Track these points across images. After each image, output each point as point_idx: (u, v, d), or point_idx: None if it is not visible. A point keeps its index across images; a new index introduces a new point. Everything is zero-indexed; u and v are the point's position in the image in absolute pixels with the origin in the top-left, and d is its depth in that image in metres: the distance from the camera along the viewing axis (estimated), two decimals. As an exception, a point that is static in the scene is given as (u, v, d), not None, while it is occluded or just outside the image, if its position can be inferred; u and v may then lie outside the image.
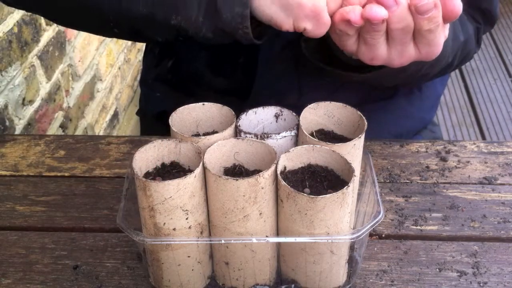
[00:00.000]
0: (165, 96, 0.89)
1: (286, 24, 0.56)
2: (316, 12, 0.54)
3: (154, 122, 0.94)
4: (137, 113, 1.01)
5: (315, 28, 0.55)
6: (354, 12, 0.52)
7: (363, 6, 0.53)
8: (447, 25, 0.56)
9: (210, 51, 0.80)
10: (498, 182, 0.72)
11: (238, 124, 0.55)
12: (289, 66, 0.77)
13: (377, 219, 0.51)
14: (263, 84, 0.78)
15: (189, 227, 0.51)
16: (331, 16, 0.55)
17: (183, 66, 0.85)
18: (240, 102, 0.61)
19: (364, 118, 0.55)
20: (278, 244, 0.55)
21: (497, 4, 0.77)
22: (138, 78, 1.25)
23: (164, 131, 0.84)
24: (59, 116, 1.35)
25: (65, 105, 1.38)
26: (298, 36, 0.62)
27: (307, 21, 0.55)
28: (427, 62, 0.60)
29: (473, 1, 0.74)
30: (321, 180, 0.52)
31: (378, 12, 0.51)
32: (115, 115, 1.80)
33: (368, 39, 0.55)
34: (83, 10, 0.64)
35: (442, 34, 0.55)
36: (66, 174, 0.75)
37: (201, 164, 0.49)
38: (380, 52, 0.56)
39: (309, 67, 0.73)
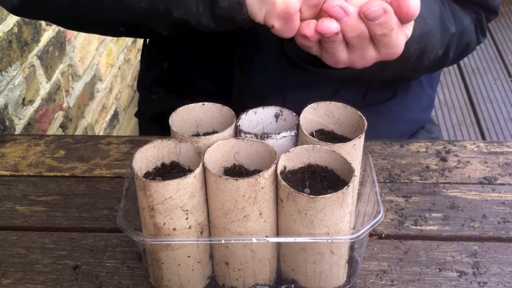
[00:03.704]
0: (161, 98, 0.90)
1: (258, 16, 0.57)
2: (286, 14, 0.55)
3: (150, 124, 0.95)
4: (136, 115, 1.02)
5: (282, 29, 0.57)
6: (309, 28, 0.55)
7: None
8: (409, 24, 0.57)
9: (199, 56, 0.82)
10: (498, 182, 0.72)
11: (238, 124, 0.55)
12: (274, 73, 0.77)
13: (377, 219, 0.51)
14: (245, 89, 0.79)
15: (189, 227, 0.51)
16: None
17: (177, 68, 0.85)
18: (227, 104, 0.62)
19: (364, 118, 0.55)
20: (278, 244, 0.55)
21: None
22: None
23: (160, 132, 0.84)
24: (59, 116, 1.35)
25: (65, 105, 1.38)
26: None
27: (277, 20, 0.56)
28: (411, 56, 0.63)
29: None
30: (321, 180, 0.52)
31: (329, 26, 0.54)
32: (115, 115, 1.80)
33: (327, 48, 0.58)
34: (89, 14, 0.67)
35: (400, 35, 0.57)
36: (66, 174, 0.75)
37: (201, 164, 0.49)
38: (341, 58, 0.59)
39: (296, 74, 0.73)
